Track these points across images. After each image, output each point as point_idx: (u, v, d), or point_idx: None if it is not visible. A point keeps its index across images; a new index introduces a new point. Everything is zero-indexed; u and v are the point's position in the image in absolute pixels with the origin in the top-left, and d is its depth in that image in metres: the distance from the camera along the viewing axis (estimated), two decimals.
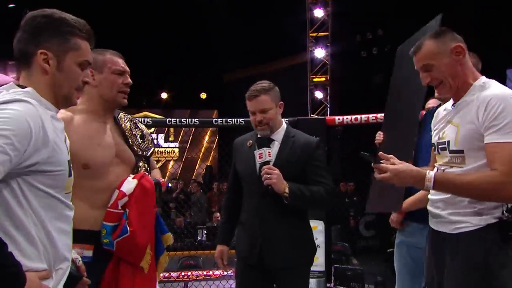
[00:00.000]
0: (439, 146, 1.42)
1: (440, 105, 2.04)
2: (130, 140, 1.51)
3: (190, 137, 10.34)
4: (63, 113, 1.28)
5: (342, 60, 8.03)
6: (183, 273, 3.80)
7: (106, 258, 1.37)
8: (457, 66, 1.34)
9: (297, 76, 8.65)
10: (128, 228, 1.35)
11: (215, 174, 10.08)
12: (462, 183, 1.26)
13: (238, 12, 9.05)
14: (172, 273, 3.87)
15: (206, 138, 11.17)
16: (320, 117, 3.95)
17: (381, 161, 1.32)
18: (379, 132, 2.19)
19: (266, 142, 1.75)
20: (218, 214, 6.55)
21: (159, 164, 11.03)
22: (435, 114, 1.54)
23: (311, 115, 8.00)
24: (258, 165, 1.74)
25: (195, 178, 9.65)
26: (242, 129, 2.91)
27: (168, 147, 10.94)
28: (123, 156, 1.47)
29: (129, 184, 1.40)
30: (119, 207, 1.37)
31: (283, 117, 3.53)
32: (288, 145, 1.76)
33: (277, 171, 1.67)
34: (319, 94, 8.17)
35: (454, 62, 1.33)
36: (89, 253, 1.34)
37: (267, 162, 1.69)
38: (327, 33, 7.98)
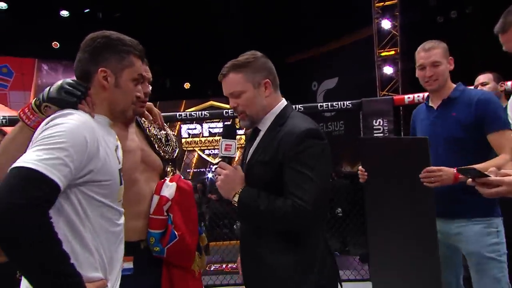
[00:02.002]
0: None
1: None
2: (156, 145, 1.45)
3: None
4: None
5: (413, 30, 7.30)
6: None
7: (150, 268, 1.34)
8: None
9: (363, 52, 8.12)
10: (176, 232, 1.33)
11: None
12: None
13: None
14: (235, 264, 3.85)
15: None
16: (386, 96, 3.62)
17: (485, 173, 1.13)
18: (360, 168, 1.91)
19: (230, 131, 1.36)
20: None
21: None
22: None
23: (380, 92, 7.48)
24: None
25: None
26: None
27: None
28: (149, 161, 1.41)
29: (170, 188, 1.36)
30: (164, 213, 1.34)
31: (347, 98, 3.36)
32: (269, 138, 1.30)
33: (227, 170, 1.29)
34: (388, 70, 7.58)
35: None
36: (129, 265, 1.30)
37: (226, 158, 1.33)
38: (395, 0, 7.31)
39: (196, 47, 9.38)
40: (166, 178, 1.40)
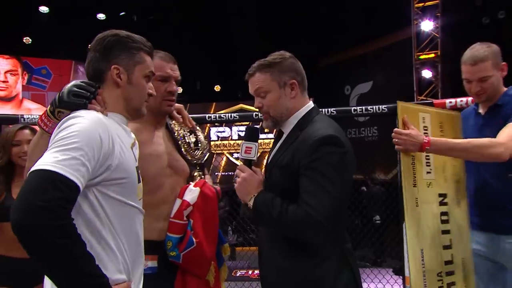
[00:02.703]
0: None
1: None
2: (183, 149, 1.45)
3: None
4: None
5: (456, 31, 7.03)
6: None
7: (171, 269, 1.34)
8: None
9: (400, 55, 7.91)
10: (194, 239, 1.32)
11: None
12: None
13: None
14: None
15: None
16: (425, 101, 3.48)
17: None
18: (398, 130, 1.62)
19: (252, 133, 1.36)
20: None
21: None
22: None
23: (418, 97, 7.24)
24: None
25: None
26: (335, 119, 2.70)
27: (266, 138, 11.18)
28: (176, 166, 1.41)
29: (192, 193, 1.35)
30: (184, 218, 1.33)
31: (382, 103, 3.22)
32: (289, 142, 1.30)
33: (246, 173, 1.30)
34: (426, 73, 7.34)
35: None
36: (153, 263, 1.30)
37: (246, 160, 1.33)
38: (437, 1, 7.07)
39: (227, 50, 9.48)
40: (191, 182, 1.40)
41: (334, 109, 2.96)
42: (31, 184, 0.85)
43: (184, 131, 1.51)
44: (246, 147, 1.32)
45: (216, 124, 11.06)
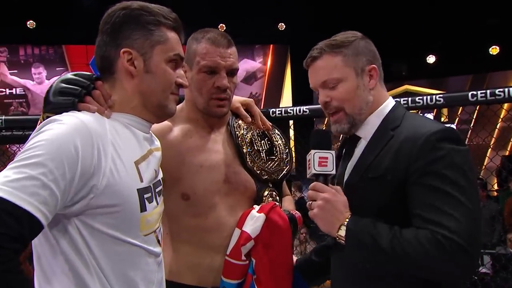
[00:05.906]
0: None
1: None
2: (248, 159, 1.30)
3: (475, 115, 8.42)
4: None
5: None
6: None
7: None
8: None
9: None
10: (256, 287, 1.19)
11: None
12: None
13: None
14: None
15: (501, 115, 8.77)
16: None
17: None
18: None
19: (323, 139, 1.14)
20: None
21: None
22: None
23: None
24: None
25: (484, 175, 7.86)
26: None
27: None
28: (235, 180, 1.29)
29: (255, 221, 1.20)
30: (243, 257, 1.20)
31: None
32: (379, 147, 1.10)
33: (327, 193, 1.09)
34: None
35: None
36: None
37: (321, 176, 1.11)
38: None
39: (382, 11, 7.89)
40: (255, 206, 1.26)
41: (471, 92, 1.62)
42: None
43: (254, 134, 1.37)
44: (320, 158, 1.12)
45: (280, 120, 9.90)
